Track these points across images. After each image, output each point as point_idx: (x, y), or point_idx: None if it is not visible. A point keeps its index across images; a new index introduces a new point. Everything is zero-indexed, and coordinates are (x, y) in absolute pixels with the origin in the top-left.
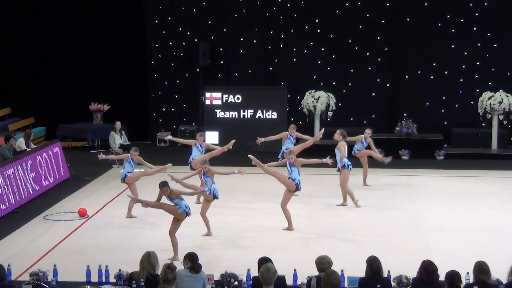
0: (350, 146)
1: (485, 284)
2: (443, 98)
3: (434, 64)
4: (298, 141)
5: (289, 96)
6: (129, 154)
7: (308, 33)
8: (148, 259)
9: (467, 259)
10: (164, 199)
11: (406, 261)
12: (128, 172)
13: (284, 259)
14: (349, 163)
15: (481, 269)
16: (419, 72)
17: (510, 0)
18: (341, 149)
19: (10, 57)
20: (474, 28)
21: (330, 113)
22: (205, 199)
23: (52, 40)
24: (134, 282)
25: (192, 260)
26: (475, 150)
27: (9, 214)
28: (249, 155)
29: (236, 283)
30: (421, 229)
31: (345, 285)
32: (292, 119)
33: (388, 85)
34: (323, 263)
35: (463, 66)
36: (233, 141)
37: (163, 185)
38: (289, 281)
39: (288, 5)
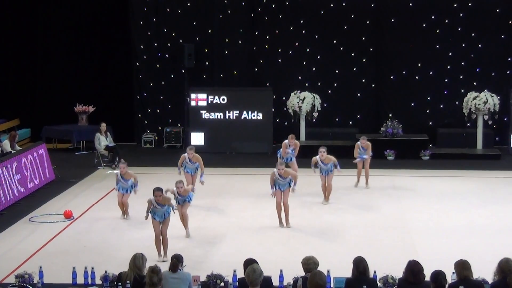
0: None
1: (469, 280)
2: (428, 98)
3: (419, 65)
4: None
5: (274, 97)
6: None
7: (293, 34)
8: (134, 261)
9: (453, 258)
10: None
11: (392, 261)
12: None
13: (270, 260)
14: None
15: (465, 266)
16: (404, 72)
17: (494, 1)
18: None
19: None
20: (459, 29)
21: (315, 114)
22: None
23: (37, 42)
24: (120, 284)
25: (171, 259)
26: (460, 150)
27: None
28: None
29: (222, 284)
30: (406, 229)
31: (331, 286)
32: (277, 120)
33: (373, 85)
34: (309, 264)
35: (448, 67)
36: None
37: (158, 189)
38: (275, 282)
39: (273, 6)
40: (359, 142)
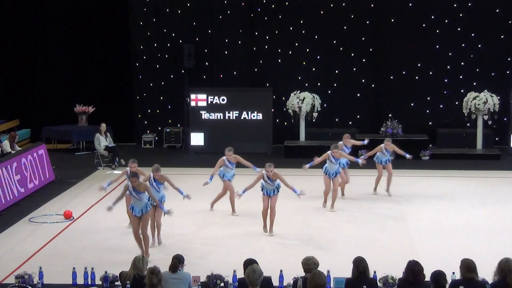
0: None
1: (471, 281)
2: (428, 98)
3: (419, 65)
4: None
5: (274, 97)
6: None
7: (293, 34)
8: (134, 263)
9: (453, 258)
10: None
11: (392, 262)
12: None
13: (270, 260)
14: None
15: (470, 268)
16: (403, 72)
17: (494, 1)
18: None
19: None
20: (459, 29)
21: (315, 114)
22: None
23: (36, 42)
24: (120, 284)
25: (172, 259)
26: (460, 150)
27: None
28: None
29: (222, 284)
30: (406, 230)
31: (331, 286)
32: (277, 120)
33: (373, 85)
34: (309, 264)
35: (448, 67)
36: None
37: (133, 175)
38: (275, 282)
39: (273, 6)
40: (382, 145)
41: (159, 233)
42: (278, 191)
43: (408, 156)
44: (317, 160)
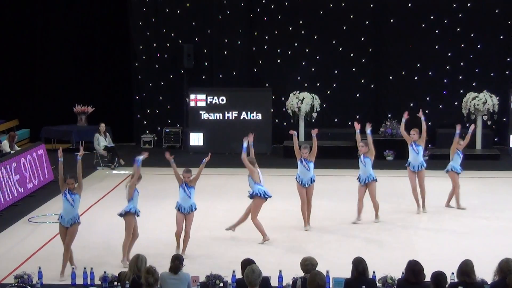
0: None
1: (469, 283)
2: (427, 98)
3: (418, 65)
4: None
5: (273, 97)
6: None
7: (292, 34)
8: (136, 262)
9: (452, 259)
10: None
11: (391, 262)
12: None
13: (269, 261)
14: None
15: (467, 271)
16: (403, 73)
17: (493, 1)
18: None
19: None
20: (458, 29)
21: (314, 114)
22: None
23: (36, 42)
24: (119, 284)
25: (171, 260)
26: None
27: None
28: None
29: (221, 284)
30: (406, 230)
31: (331, 286)
32: (276, 120)
33: (372, 86)
34: (307, 265)
35: (447, 67)
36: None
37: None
38: (274, 282)
39: (272, 6)
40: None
41: (186, 245)
42: (313, 181)
43: (471, 130)
44: (358, 138)
